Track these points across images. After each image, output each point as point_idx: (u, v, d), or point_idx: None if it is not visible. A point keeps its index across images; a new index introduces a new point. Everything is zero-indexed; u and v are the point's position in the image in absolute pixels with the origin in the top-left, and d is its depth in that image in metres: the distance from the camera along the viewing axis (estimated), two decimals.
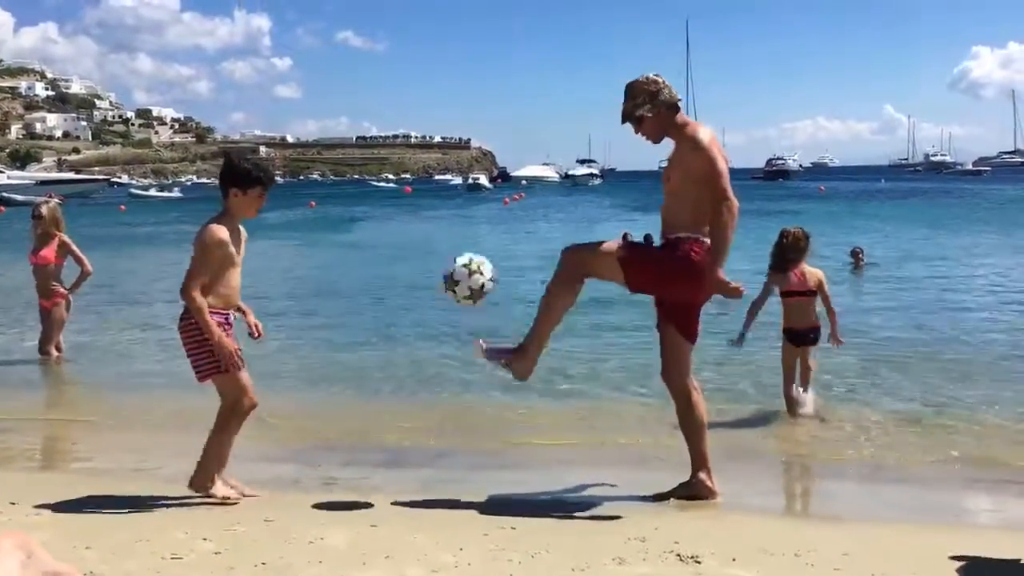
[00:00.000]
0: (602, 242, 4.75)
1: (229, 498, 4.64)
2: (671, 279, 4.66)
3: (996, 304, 12.31)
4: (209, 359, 4.50)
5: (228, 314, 4.59)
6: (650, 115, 4.69)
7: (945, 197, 53.58)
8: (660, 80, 4.75)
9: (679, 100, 4.78)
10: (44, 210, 8.98)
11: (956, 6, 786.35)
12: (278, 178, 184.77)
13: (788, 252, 6.72)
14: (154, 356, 9.38)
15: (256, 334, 4.83)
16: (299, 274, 18.93)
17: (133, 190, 77.15)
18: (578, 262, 4.73)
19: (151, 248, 25.46)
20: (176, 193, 75.43)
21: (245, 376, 4.57)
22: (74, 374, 8.77)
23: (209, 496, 4.62)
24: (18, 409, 7.32)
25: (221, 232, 4.48)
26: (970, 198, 51.04)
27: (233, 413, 4.60)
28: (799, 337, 6.77)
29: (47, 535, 3.96)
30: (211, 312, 4.45)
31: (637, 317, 11.12)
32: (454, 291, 4.71)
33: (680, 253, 4.59)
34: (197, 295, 4.38)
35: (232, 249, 4.52)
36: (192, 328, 4.48)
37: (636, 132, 4.80)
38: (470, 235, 30.31)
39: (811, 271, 6.78)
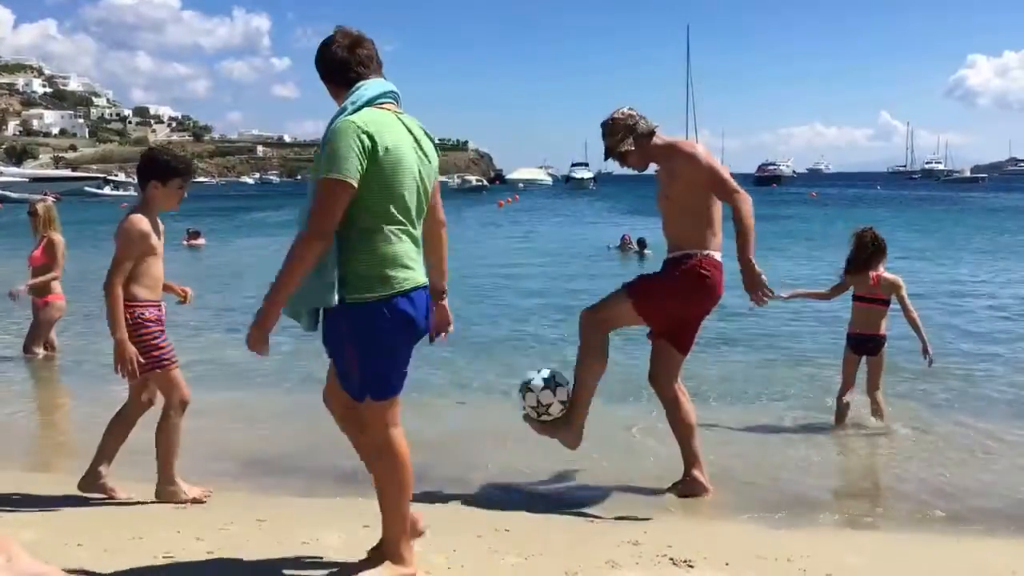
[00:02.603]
0: (610, 295, 4.91)
1: (199, 499, 4.64)
2: (685, 299, 4.82)
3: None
4: (143, 354, 4.50)
5: (160, 304, 4.65)
6: (633, 148, 4.89)
7: (945, 206, 53.58)
8: (635, 112, 4.93)
9: (656, 126, 4.93)
10: (40, 208, 8.93)
11: (952, 14, 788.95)
12: (274, 178, 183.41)
13: (867, 252, 6.43)
14: None
15: (184, 298, 5.05)
16: None
17: (87, 187, 75.66)
18: (596, 322, 4.87)
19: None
20: (131, 192, 74.92)
21: (177, 373, 4.61)
22: (67, 373, 8.74)
23: (178, 501, 4.60)
24: (7, 408, 7.29)
25: (143, 223, 4.54)
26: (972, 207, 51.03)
27: (171, 410, 4.61)
28: (859, 344, 6.53)
29: (39, 533, 3.95)
30: (148, 305, 4.52)
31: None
32: (541, 410, 4.77)
33: (687, 268, 4.76)
34: (118, 289, 4.41)
35: (154, 239, 4.58)
36: (127, 323, 4.47)
37: (622, 166, 5.00)
38: (466, 238, 30.31)
39: (888, 277, 6.46)
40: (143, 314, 4.50)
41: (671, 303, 4.81)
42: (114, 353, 4.43)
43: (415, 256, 3.31)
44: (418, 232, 3.36)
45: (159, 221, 4.72)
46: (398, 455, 3.36)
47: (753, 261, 4.61)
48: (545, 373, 4.81)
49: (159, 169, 4.62)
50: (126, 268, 4.46)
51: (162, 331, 4.58)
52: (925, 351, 6.46)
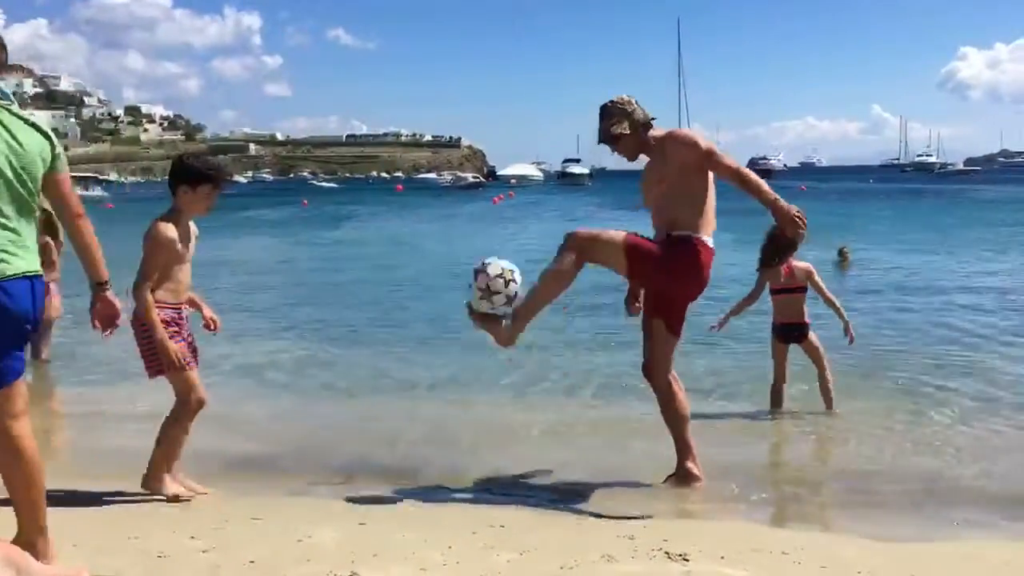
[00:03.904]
0: (610, 231, 4.85)
1: (180, 496, 4.62)
2: (673, 275, 4.83)
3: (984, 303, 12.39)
4: (156, 358, 4.53)
5: (180, 308, 4.64)
6: (627, 132, 4.92)
7: (942, 200, 53.64)
8: (633, 100, 4.98)
9: (652, 119, 4.99)
10: (38, 213, 8.79)
11: (943, 7, 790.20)
12: (267, 176, 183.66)
13: (778, 247, 6.64)
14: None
15: (212, 327, 4.91)
16: (288, 271, 18.88)
17: None
18: (583, 246, 4.80)
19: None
20: (100, 192, 73.90)
21: (194, 374, 4.61)
22: (60, 375, 8.71)
23: (160, 495, 4.60)
24: None
25: (169, 230, 4.53)
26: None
27: (183, 411, 4.62)
28: (784, 332, 6.76)
29: None
30: (163, 306, 4.51)
31: (620, 320, 11.15)
32: (491, 300, 4.75)
33: (685, 248, 4.78)
34: (147, 294, 4.45)
35: (180, 246, 4.57)
36: (144, 326, 4.52)
37: (613, 151, 5.04)
38: (464, 235, 30.29)
39: (799, 266, 6.69)
40: (158, 315, 4.49)
41: (659, 273, 4.82)
42: (160, 353, 4.47)
43: (10, 247, 3.27)
44: (19, 223, 3.32)
45: (192, 226, 4.72)
46: (10, 449, 3.29)
47: (779, 199, 4.66)
48: (505, 263, 4.77)
49: (189, 174, 4.63)
50: (153, 275, 4.47)
51: (177, 332, 4.57)
52: (847, 331, 6.71)
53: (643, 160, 5.08)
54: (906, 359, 8.58)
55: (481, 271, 4.74)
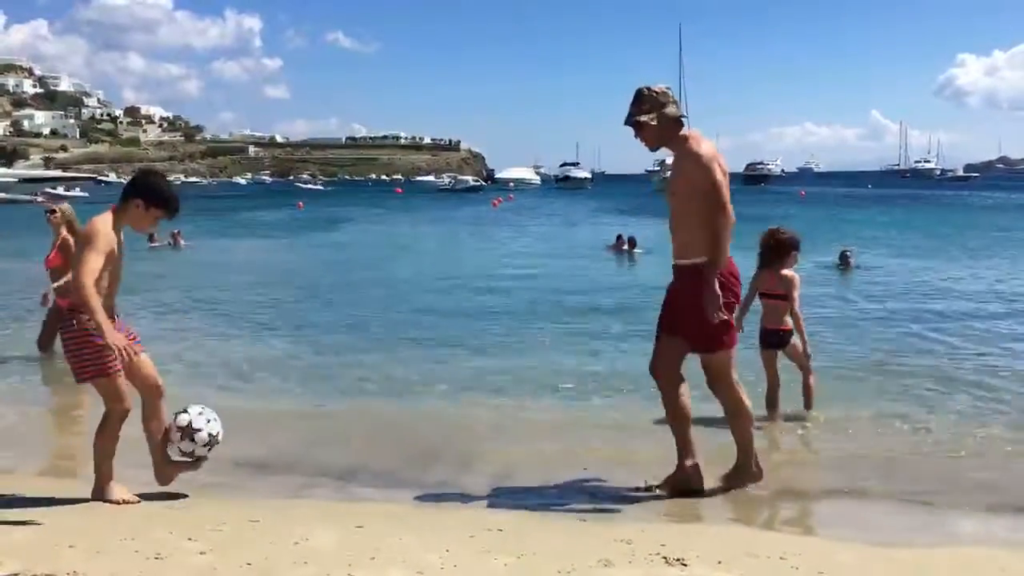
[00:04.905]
0: (717, 361, 4.96)
1: (128, 500, 4.61)
2: (729, 299, 4.82)
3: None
4: (89, 361, 4.48)
5: (111, 309, 4.56)
6: (653, 123, 4.87)
7: (935, 206, 53.69)
8: (669, 93, 4.96)
9: (684, 116, 4.95)
10: (57, 209, 8.76)
11: (942, 13, 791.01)
12: (267, 178, 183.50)
13: (767, 252, 6.68)
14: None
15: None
16: (282, 273, 18.87)
17: (47, 188, 74.09)
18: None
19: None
20: (80, 192, 73.35)
21: (122, 382, 4.54)
22: (60, 376, 8.69)
23: (107, 501, 4.58)
24: (13, 409, 7.25)
25: (111, 229, 4.47)
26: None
27: (110, 420, 4.59)
28: (764, 337, 6.77)
29: (30, 534, 3.95)
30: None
31: (619, 324, 11.16)
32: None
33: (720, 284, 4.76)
34: (92, 289, 4.30)
35: (116, 248, 4.50)
36: (73, 329, 4.47)
37: (636, 136, 4.98)
38: (462, 237, 30.30)
39: (786, 274, 6.66)
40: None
41: (727, 309, 4.84)
42: (109, 349, 4.33)
43: None
44: None
45: (120, 236, 4.61)
46: None
47: (717, 292, 4.65)
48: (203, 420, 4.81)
49: (151, 194, 4.58)
50: (95, 270, 4.34)
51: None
52: (804, 348, 6.74)
53: (642, 162, 5.10)
54: (906, 364, 8.57)
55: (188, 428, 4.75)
